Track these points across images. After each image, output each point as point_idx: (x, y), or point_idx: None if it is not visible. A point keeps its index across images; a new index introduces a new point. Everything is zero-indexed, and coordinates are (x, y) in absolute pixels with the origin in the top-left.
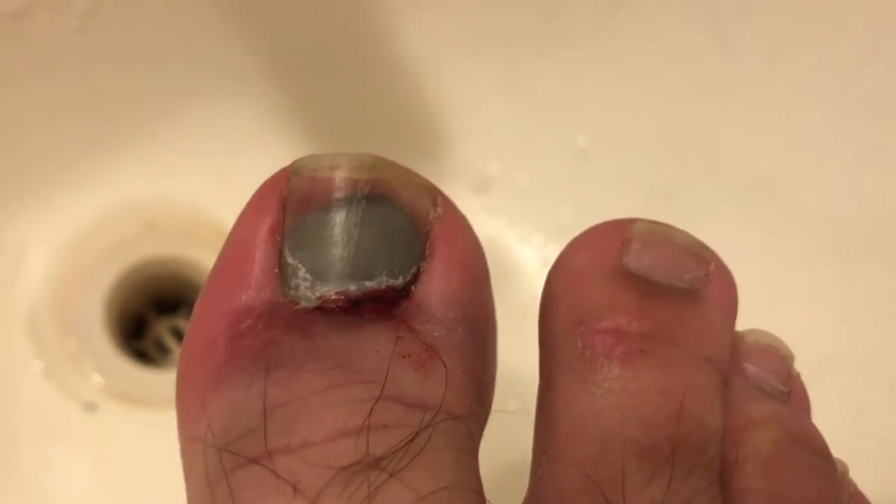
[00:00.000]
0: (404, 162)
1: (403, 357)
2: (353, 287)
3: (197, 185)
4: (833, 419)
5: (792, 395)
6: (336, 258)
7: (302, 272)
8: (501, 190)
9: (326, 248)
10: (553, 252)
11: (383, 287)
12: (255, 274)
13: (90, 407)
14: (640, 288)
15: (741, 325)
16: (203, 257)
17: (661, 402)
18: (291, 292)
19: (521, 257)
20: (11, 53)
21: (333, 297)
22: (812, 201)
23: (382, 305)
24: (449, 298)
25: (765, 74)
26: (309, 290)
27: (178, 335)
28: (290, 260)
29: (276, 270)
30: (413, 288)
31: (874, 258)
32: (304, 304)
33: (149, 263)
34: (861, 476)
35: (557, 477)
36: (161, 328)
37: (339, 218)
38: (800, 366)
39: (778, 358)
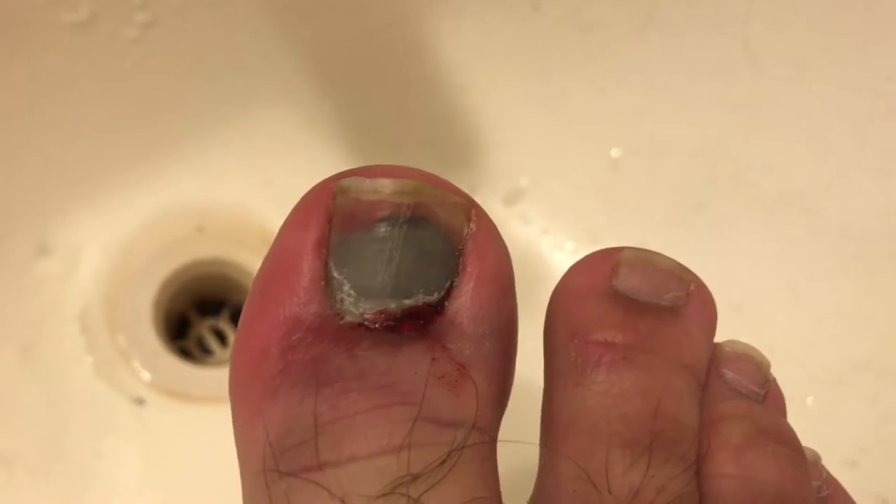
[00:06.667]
0: (440, 171)
1: (438, 378)
2: (393, 305)
3: (244, 190)
4: (859, 424)
5: (768, 396)
6: (378, 278)
7: (346, 288)
8: (535, 198)
9: (370, 267)
10: None
11: (420, 304)
12: (303, 285)
13: (139, 401)
14: (626, 305)
15: (769, 333)
16: (249, 261)
17: (641, 401)
18: (337, 306)
19: (554, 264)
20: (73, 61)
21: (375, 314)
22: (837, 214)
23: (420, 322)
24: (478, 313)
25: (793, 89)
26: (353, 305)
27: (221, 336)
28: (335, 275)
29: (323, 283)
30: (446, 303)
31: None
32: (348, 318)
33: (196, 265)
34: (885, 478)
35: (555, 466)
36: (203, 329)
37: (382, 240)
38: (826, 372)
39: (753, 364)
